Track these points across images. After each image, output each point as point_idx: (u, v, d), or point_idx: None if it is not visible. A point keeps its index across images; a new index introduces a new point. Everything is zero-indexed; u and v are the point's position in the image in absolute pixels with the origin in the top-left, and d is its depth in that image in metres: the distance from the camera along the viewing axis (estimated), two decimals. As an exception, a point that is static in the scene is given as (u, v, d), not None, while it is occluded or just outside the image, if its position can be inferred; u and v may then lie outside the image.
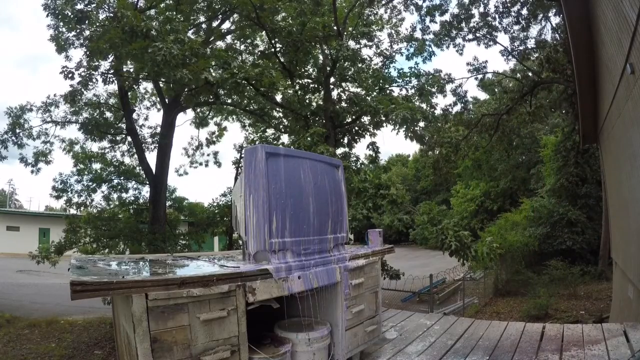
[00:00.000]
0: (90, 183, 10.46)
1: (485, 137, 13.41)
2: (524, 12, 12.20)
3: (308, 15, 8.73)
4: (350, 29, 10.32)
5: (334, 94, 9.95)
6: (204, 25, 10.59)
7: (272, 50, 9.15)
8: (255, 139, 11.26)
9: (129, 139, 10.50)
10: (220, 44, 10.76)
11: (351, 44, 10.07)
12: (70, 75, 7.51)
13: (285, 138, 10.01)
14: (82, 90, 8.77)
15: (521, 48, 12.93)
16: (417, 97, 10.12)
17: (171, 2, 9.43)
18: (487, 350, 2.86)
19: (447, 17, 12.41)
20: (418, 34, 12.25)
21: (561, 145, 13.09)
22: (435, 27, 12.53)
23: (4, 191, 41.68)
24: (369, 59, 10.62)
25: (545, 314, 7.50)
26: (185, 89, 7.94)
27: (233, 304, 1.86)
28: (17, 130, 9.52)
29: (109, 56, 7.24)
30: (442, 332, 3.37)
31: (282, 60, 9.14)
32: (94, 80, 8.04)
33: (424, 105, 10.06)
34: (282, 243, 2.18)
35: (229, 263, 2.30)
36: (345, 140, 9.56)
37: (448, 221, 7.38)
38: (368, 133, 9.48)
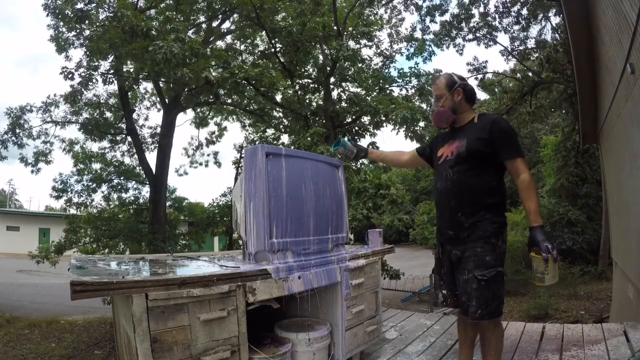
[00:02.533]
0: (90, 183, 10.47)
1: (485, 137, 13.39)
2: (524, 12, 12.21)
3: (308, 15, 8.73)
4: (350, 29, 10.33)
5: (334, 94, 9.96)
6: (204, 25, 10.60)
7: (272, 50, 9.16)
8: (255, 139, 11.27)
9: (129, 139, 10.51)
10: (220, 44, 10.78)
11: (351, 44, 10.08)
12: (70, 76, 7.53)
13: (285, 138, 10.02)
14: (82, 90, 8.79)
15: (521, 48, 12.93)
16: (417, 97, 10.13)
17: (171, 2, 9.43)
18: (487, 350, 2.86)
19: (447, 17, 12.41)
20: (418, 34, 12.26)
21: (561, 145, 13.07)
22: (435, 27, 12.54)
23: (4, 191, 41.74)
24: (369, 59, 10.64)
25: (545, 314, 7.50)
26: (185, 89, 7.95)
27: (233, 304, 1.86)
28: (17, 131, 9.53)
29: (109, 56, 7.25)
30: (442, 332, 3.37)
31: (282, 60, 9.14)
32: (94, 80, 8.06)
33: (424, 105, 10.06)
34: (282, 243, 2.18)
35: (229, 263, 2.30)
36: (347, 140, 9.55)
37: (448, 221, 7.37)
38: (368, 133, 9.49)
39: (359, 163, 9.45)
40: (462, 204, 1.99)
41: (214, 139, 13.70)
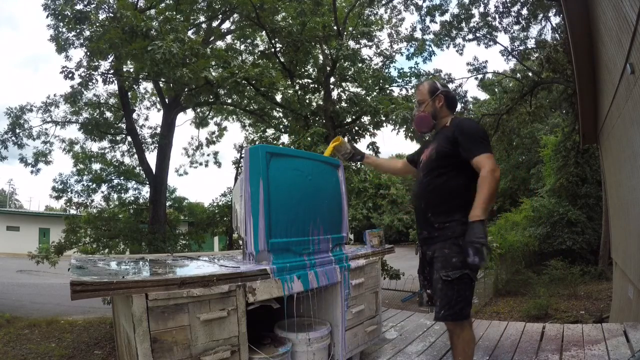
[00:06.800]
0: (90, 183, 10.46)
1: (485, 137, 13.40)
2: (524, 12, 12.22)
3: (308, 15, 8.72)
4: (350, 29, 10.31)
5: (334, 94, 9.93)
6: (204, 25, 10.59)
7: (272, 50, 9.14)
8: (255, 139, 11.25)
9: (129, 139, 10.50)
10: (220, 43, 10.77)
11: (351, 44, 10.06)
12: (70, 76, 7.52)
13: (285, 138, 10.00)
14: (82, 90, 8.78)
15: (521, 48, 12.95)
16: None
17: (171, 2, 9.42)
18: (487, 350, 2.86)
19: (447, 17, 12.44)
20: (418, 34, 12.28)
21: (561, 145, 13.08)
22: (435, 27, 12.57)
23: (4, 191, 41.78)
24: (369, 58, 10.63)
25: (545, 314, 7.50)
26: (185, 89, 7.94)
27: (233, 304, 1.86)
28: (17, 131, 9.52)
29: (109, 56, 7.23)
30: (442, 332, 3.37)
31: (282, 60, 9.13)
32: (94, 80, 8.04)
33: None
34: (282, 243, 2.18)
35: (229, 263, 2.30)
36: (346, 140, 9.54)
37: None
38: (368, 133, 9.46)
39: (359, 163, 9.44)
40: (431, 205, 2.04)
41: (214, 139, 13.71)
